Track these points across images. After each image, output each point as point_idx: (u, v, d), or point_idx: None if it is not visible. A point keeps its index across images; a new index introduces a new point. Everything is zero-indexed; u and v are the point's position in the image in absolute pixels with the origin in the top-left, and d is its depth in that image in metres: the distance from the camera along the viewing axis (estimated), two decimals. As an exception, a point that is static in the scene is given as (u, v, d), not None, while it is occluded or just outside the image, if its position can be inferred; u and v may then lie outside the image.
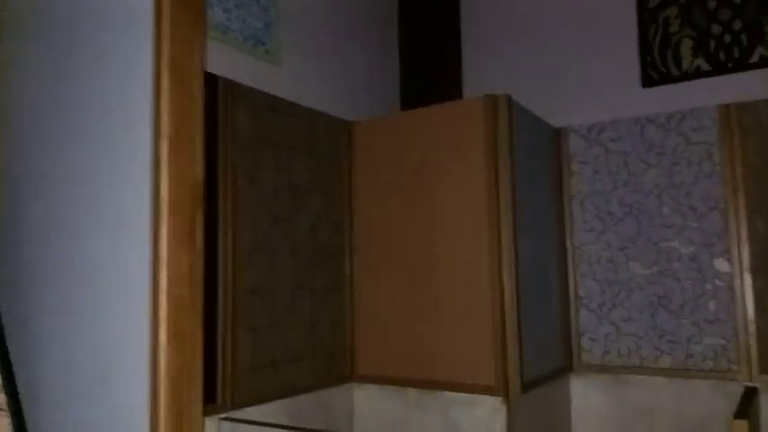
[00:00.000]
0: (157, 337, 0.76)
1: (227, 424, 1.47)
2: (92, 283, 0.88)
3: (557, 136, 2.27)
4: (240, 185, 1.66)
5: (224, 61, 1.69)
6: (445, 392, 1.83)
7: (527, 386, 1.80)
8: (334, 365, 1.97)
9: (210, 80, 1.60)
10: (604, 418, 2.12)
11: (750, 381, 1.90)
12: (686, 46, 2.13)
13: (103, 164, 0.91)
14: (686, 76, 2.12)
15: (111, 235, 0.87)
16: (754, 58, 2.03)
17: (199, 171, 0.84)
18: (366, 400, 1.99)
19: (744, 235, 1.96)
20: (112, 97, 0.92)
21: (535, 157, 2.07)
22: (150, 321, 0.77)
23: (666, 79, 2.15)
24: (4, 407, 0.84)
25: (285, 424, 1.65)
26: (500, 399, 1.73)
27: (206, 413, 1.46)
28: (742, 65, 2.05)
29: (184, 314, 0.79)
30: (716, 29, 2.10)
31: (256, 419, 1.57)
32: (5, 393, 0.85)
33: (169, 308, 0.77)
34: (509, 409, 1.72)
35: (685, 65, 2.13)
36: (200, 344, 0.80)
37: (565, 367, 2.16)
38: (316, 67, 2.05)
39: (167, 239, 0.79)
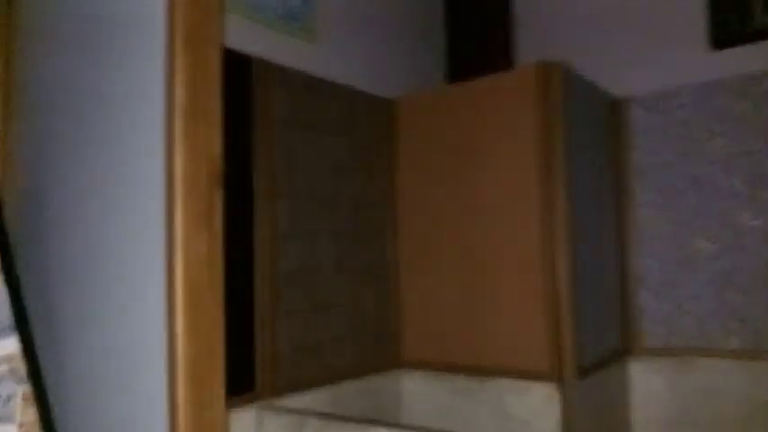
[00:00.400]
0: (174, 326, 0.72)
1: (266, 412, 1.44)
2: (107, 269, 0.85)
3: (615, 106, 2.12)
4: (277, 168, 1.62)
5: (258, 41, 1.64)
6: (496, 379, 1.75)
7: (583, 371, 1.70)
8: (380, 350, 1.91)
9: (244, 60, 1.56)
10: (666, 403, 1.99)
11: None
12: (758, 2, 1.94)
13: (115, 140, 0.87)
14: (759, 35, 1.93)
15: (123, 217, 0.83)
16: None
17: (216, 146, 0.78)
18: (413, 387, 1.93)
19: (824, 207, 1.78)
20: (123, 70, 0.87)
21: (592, 129, 1.94)
22: (166, 309, 0.73)
23: (736, 39, 1.97)
24: (30, 397, 0.82)
25: (328, 411, 1.61)
26: (554, 385, 1.63)
27: (244, 401, 1.44)
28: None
29: (203, 301, 0.74)
30: (792, -20, 1.90)
31: (297, 407, 1.54)
32: (31, 384, 0.83)
33: (185, 294, 0.72)
34: (564, 396, 1.62)
35: (757, 22, 1.94)
36: (220, 332, 0.75)
37: (623, 351, 2.03)
38: (354, 42, 1.98)
39: (182, 220, 0.74)
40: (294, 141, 1.68)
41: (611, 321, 1.98)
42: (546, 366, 1.66)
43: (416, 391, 1.92)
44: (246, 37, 1.61)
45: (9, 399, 0.77)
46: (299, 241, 1.66)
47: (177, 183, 0.76)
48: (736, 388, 1.88)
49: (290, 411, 1.43)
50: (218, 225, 0.79)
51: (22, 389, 0.80)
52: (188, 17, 0.80)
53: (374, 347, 1.89)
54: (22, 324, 0.85)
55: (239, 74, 1.54)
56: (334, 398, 1.70)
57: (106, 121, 0.88)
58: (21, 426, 0.78)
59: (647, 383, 2.03)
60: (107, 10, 0.90)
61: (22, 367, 0.79)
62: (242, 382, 1.45)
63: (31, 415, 0.81)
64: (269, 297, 1.55)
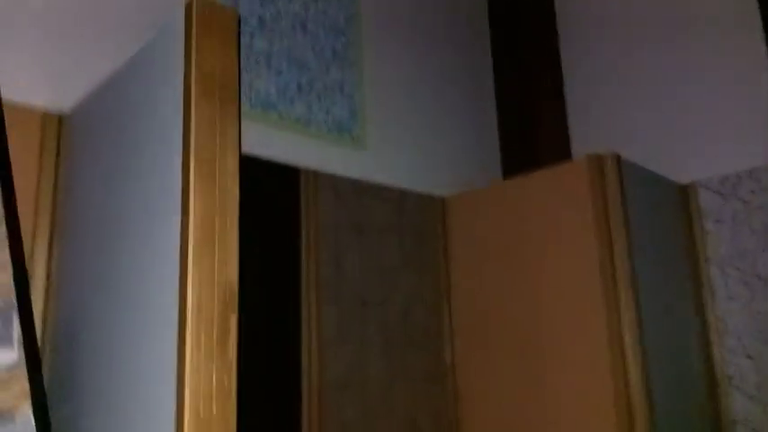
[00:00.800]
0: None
1: None
2: (122, 404, 0.85)
3: (683, 193, 2.00)
4: (324, 273, 1.62)
5: (307, 152, 1.70)
6: (568, 499, 1.58)
7: (668, 494, 1.51)
8: (443, 464, 1.79)
9: (293, 172, 1.61)
10: None
11: None
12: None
13: (135, 270, 0.90)
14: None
15: (139, 349, 0.84)
16: None
17: (232, 271, 0.79)
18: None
19: None
20: (141, 201, 0.92)
21: (658, 220, 1.83)
22: (173, 445, 0.71)
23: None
24: None
25: None
26: None
27: None
28: None
29: (212, 436, 0.72)
30: None
31: None
32: None
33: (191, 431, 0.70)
34: None
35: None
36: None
37: (720, 466, 1.80)
38: (405, 145, 2.01)
39: (191, 350, 0.73)
40: (342, 246, 1.69)
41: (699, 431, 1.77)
42: (624, 486, 1.49)
43: None
44: (299, 150, 1.68)
45: None
46: (347, 346, 1.63)
47: (188, 311, 0.76)
48: None
49: None
50: (233, 353, 0.78)
51: None
52: (203, 148, 0.83)
53: (435, 461, 1.78)
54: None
55: (288, 185, 1.59)
56: None
57: (127, 253, 0.92)
58: None
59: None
60: (130, 144, 0.96)
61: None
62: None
63: None
64: (317, 408, 1.51)
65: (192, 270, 0.78)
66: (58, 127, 1.21)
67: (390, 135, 1.97)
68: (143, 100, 0.98)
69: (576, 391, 1.61)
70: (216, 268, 0.81)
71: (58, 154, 1.20)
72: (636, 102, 2.17)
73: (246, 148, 1.54)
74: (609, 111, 2.23)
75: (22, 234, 1.07)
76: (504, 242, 1.83)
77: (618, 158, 1.64)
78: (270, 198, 1.54)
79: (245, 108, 1.57)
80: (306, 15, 1.79)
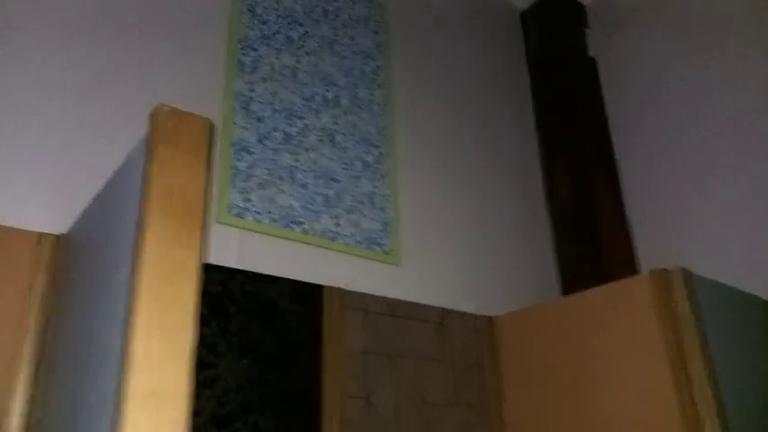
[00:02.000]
0: None
1: None
2: None
3: (772, 308, 1.70)
4: (352, 409, 1.42)
5: (333, 269, 1.57)
6: None
7: None
8: None
9: (313, 291, 1.47)
10: None
11: None
12: None
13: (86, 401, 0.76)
14: None
15: None
16: None
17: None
18: None
19: None
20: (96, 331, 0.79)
21: (745, 338, 1.53)
22: None
23: None
24: None
25: None
26: None
27: None
28: None
29: None
30: None
31: None
32: None
33: None
34: None
35: None
36: None
37: None
38: (444, 260, 1.84)
39: None
40: (373, 376, 1.50)
41: None
42: None
43: None
44: (324, 267, 1.55)
45: None
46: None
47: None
48: None
49: None
50: None
51: None
52: (151, 277, 0.71)
53: None
54: None
55: (309, 305, 1.45)
56: None
57: (83, 387, 0.79)
58: None
59: None
60: (103, 268, 0.86)
61: None
62: None
63: None
64: None
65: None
66: (53, 248, 1.14)
67: (427, 249, 1.81)
68: (116, 220, 0.90)
69: None
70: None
71: (49, 276, 1.12)
72: (708, 209, 1.93)
73: (266, 267, 1.44)
74: (676, 217, 1.98)
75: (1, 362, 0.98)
76: (562, 366, 1.59)
77: (687, 273, 1.41)
78: (287, 321, 1.40)
79: (264, 225, 1.48)
80: (334, 129, 1.73)
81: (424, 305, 1.68)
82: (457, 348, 1.70)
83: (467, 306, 1.79)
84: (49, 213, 1.17)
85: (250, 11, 1.69)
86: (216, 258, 1.36)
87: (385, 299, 1.61)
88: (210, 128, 0.84)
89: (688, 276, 1.41)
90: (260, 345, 1.33)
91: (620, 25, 2.29)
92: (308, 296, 1.46)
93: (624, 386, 1.44)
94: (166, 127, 0.80)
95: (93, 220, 1.03)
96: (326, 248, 1.58)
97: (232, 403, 1.25)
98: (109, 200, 0.96)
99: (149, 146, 0.79)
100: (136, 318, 0.68)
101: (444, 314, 1.72)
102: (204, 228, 0.78)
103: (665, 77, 2.12)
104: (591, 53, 2.35)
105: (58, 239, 1.15)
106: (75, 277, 1.05)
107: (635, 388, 1.41)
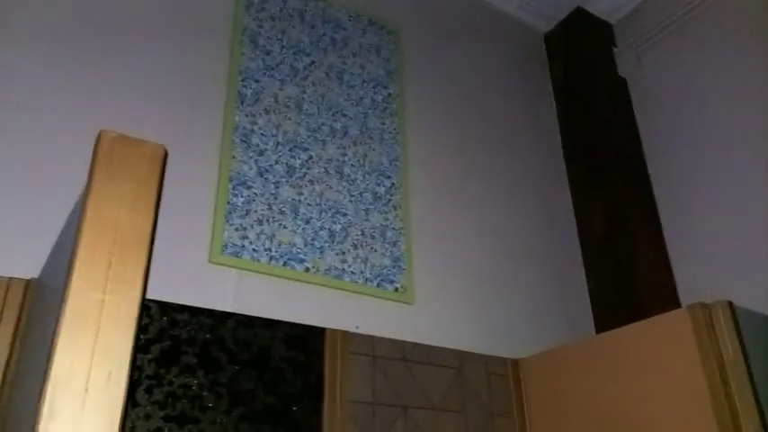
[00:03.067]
0: None
1: None
2: None
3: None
4: (355, 467, 1.28)
5: (337, 310, 1.45)
6: None
7: None
8: None
9: (314, 335, 1.35)
10: None
11: None
12: None
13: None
14: None
15: None
16: None
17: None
18: None
19: None
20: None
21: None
22: None
23: None
24: None
25: None
26: None
27: None
28: None
29: None
30: None
31: None
32: None
33: None
34: None
35: None
36: None
37: None
38: (461, 299, 1.69)
39: None
40: (382, 429, 1.35)
41: None
42: None
43: None
44: (327, 308, 1.43)
45: None
46: None
47: None
48: None
49: None
50: None
51: None
52: (78, 321, 0.60)
53: None
54: None
55: (309, 351, 1.33)
56: None
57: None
58: None
59: None
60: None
61: None
62: None
63: None
64: None
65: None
66: (23, 292, 1.06)
67: (443, 286, 1.67)
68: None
69: None
70: None
71: (17, 319, 1.04)
72: (752, 236, 1.73)
73: (263, 311, 1.33)
74: (717, 247, 1.79)
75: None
76: (598, 412, 1.41)
77: (730, 306, 1.23)
78: (283, 371, 1.28)
79: (262, 263, 1.38)
80: (342, 160, 1.64)
81: (440, 348, 1.54)
82: (477, 395, 1.55)
83: (488, 348, 1.64)
84: (20, 257, 1.09)
85: (252, 42, 1.63)
86: (208, 302, 1.26)
87: (395, 342, 1.47)
88: (163, 156, 0.75)
89: (731, 310, 1.24)
90: (252, 398, 1.22)
91: (649, 43, 2.15)
92: (307, 341, 1.34)
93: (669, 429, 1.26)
94: (111, 155, 0.71)
95: (57, 261, 0.95)
96: (331, 287, 1.47)
97: (219, 462, 1.13)
98: (68, 238, 0.88)
99: (90, 175, 0.70)
100: (51, 371, 0.58)
101: (463, 357, 1.57)
102: (147, 266, 0.68)
103: (701, 96, 1.96)
104: (621, 73, 2.21)
105: (28, 283, 1.07)
106: (42, 318, 0.96)
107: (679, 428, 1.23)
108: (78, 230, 0.66)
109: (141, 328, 1.15)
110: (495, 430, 1.53)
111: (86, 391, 0.58)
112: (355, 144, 1.69)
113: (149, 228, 0.70)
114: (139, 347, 1.13)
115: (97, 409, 0.58)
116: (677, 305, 1.78)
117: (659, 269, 1.82)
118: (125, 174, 0.71)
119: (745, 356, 1.21)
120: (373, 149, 1.71)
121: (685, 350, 1.26)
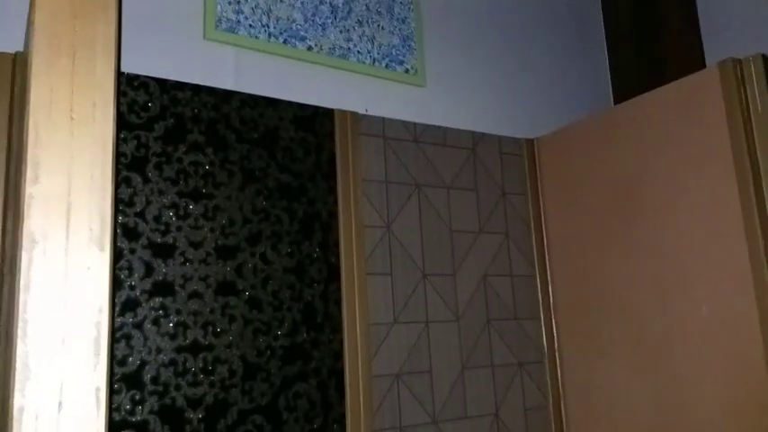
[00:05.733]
0: None
1: None
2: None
3: None
4: (371, 238, 1.31)
5: (344, 91, 1.39)
6: None
7: None
8: (537, 471, 1.43)
9: (323, 117, 1.31)
10: None
11: None
12: None
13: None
14: None
15: None
16: None
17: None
18: None
19: None
20: None
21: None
22: None
23: None
24: None
25: None
26: None
27: None
28: None
29: None
30: None
31: None
32: None
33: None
34: None
35: None
36: None
37: None
38: (475, 78, 1.62)
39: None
40: (395, 207, 1.37)
41: None
42: None
43: None
44: (333, 89, 1.37)
45: None
46: (406, 329, 1.31)
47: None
48: None
49: None
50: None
51: None
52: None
53: (526, 467, 1.42)
54: None
55: (318, 132, 1.29)
56: None
57: None
58: None
59: None
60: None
61: None
62: None
63: None
64: (361, 405, 1.22)
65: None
66: (12, 67, 1.01)
67: (456, 66, 1.59)
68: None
69: (716, 389, 1.17)
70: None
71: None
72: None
73: (263, 90, 1.27)
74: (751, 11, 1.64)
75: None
76: (615, 187, 1.40)
77: (765, 60, 1.15)
78: (293, 150, 1.25)
79: (260, 41, 1.29)
80: (341, -75, 1.46)
81: (453, 129, 1.50)
82: (490, 175, 1.54)
83: (502, 129, 1.59)
84: (4, 33, 1.02)
85: None
86: (208, 79, 1.20)
87: (407, 123, 1.43)
88: None
89: (765, 63, 1.15)
90: (265, 176, 1.21)
91: None
92: (316, 122, 1.30)
93: (685, 206, 1.25)
94: None
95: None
96: (337, 68, 1.39)
97: (238, 235, 1.16)
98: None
99: None
100: (31, 101, 0.54)
101: (477, 138, 1.54)
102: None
103: None
104: None
105: (15, 57, 1.01)
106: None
107: (698, 206, 1.22)
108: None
109: (142, 106, 1.11)
110: (509, 207, 1.55)
111: (72, 119, 0.55)
112: None
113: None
114: (142, 125, 1.10)
115: (87, 137, 0.55)
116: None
117: (688, 36, 1.69)
118: None
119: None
120: None
121: (711, 115, 1.20)
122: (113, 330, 1.01)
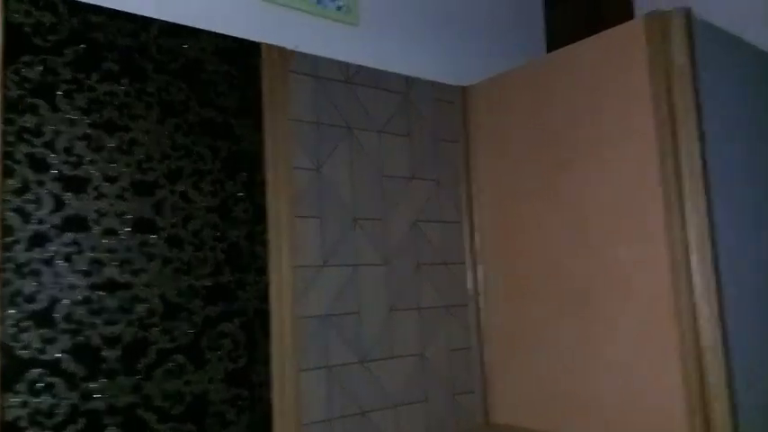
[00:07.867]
0: None
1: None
2: None
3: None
4: (299, 181, 1.29)
5: (274, 26, 1.33)
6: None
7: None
8: (461, 409, 1.48)
9: (249, 51, 1.26)
10: None
11: None
12: None
13: None
14: None
15: None
16: None
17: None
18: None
19: None
20: None
21: (742, 97, 1.35)
22: None
23: None
24: None
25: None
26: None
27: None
28: None
29: None
30: None
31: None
32: None
33: None
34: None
35: None
36: None
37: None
38: (411, 22, 1.59)
39: None
40: (326, 149, 1.34)
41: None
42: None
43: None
44: (261, 26, 1.31)
45: None
46: (333, 270, 1.31)
47: None
48: None
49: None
50: None
51: None
52: None
53: (452, 404, 1.46)
54: None
55: (244, 66, 1.24)
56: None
57: None
58: None
59: None
60: None
61: None
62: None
63: None
64: (290, 346, 1.22)
65: None
66: None
67: (390, 6, 1.55)
68: None
69: (630, 325, 1.23)
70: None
71: None
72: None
73: (186, 19, 1.20)
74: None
75: None
76: (541, 137, 1.43)
77: (688, 16, 1.18)
78: (216, 84, 1.20)
79: (184, -33, 1.22)
80: None
81: (387, 72, 1.48)
82: (424, 121, 1.53)
83: (437, 75, 1.58)
84: None
85: None
86: (126, 4, 1.12)
87: (339, 63, 1.40)
88: None
89: (689, 20, 1.18)
90: (185, 109, 1.15)
91: None
92: (241, 55, 1.25)
93: (609, 154, 1.28)
94: None
95: None
96: (266, 1, 1.33)
97: (156, 171, 1.11)
98: None
99: None
100: None
101: (409, 83, 1.52)
102: None
103: None
104: None
105: None
106: None
107: (620, 155, 1.26)
108: None
109: (49, 28, 1.03)
110: (441, 154, 1.55)
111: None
112: None
113: None
114: (49, 49, 1.02)
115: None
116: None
117: None
118: None
119: (695, 72, 1.18)
120: None
121: (637, 61, 1.23)
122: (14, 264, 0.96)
